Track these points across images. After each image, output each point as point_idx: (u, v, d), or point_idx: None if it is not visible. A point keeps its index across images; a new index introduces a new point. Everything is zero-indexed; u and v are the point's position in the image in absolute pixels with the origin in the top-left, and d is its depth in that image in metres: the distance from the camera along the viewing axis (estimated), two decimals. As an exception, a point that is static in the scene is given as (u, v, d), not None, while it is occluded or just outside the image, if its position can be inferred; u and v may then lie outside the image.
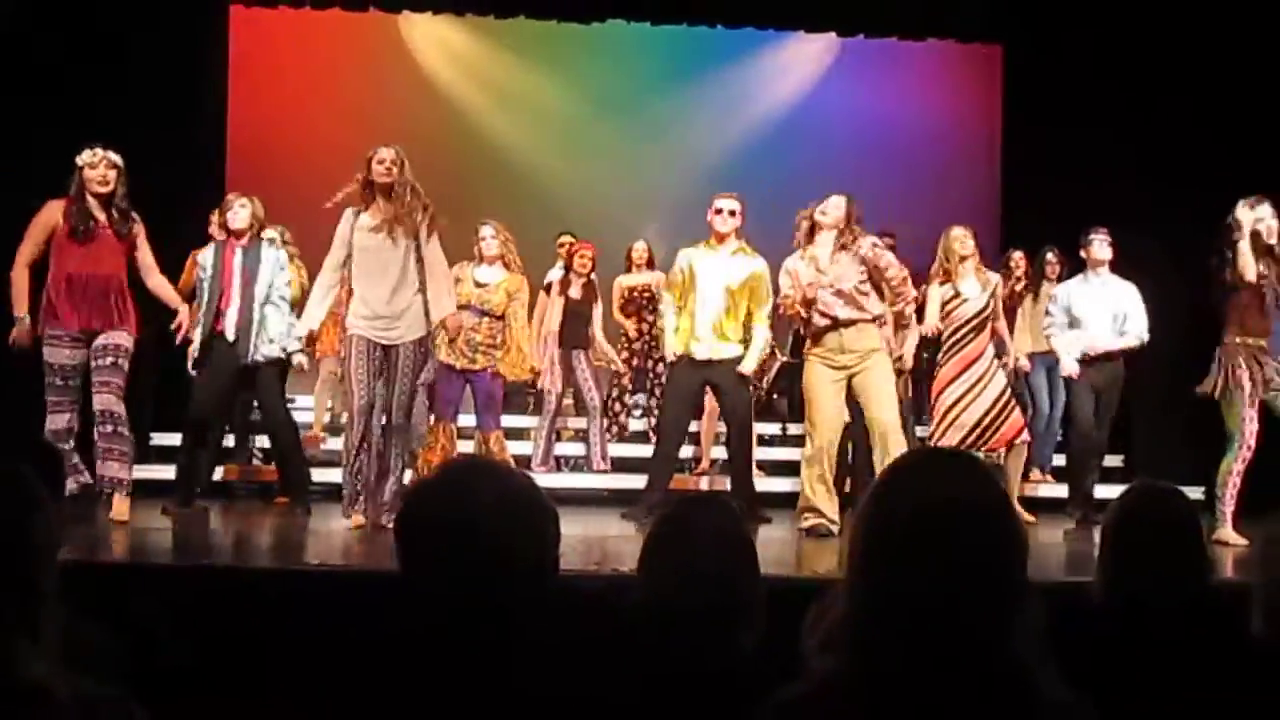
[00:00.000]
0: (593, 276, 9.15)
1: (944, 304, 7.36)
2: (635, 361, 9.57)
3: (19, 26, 8.02)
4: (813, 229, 6.88)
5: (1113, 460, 8.71)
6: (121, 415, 6.23)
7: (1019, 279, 8.88)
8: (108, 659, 2.15)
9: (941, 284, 7.42)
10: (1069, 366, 7.52)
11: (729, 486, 7.45)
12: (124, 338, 6.25)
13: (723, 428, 8.98)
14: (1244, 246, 6.42)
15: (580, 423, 9.47)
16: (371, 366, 6.29)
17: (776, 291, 7.14)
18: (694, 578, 2.32)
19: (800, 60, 12.33)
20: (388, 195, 6.26)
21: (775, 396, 10.06)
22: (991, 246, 9.17)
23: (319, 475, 7.84)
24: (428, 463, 7.49)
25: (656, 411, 9.57)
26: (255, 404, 7.86)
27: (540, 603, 1.89)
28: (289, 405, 8.15)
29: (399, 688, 1.83)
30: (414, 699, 1.82)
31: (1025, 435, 7.37)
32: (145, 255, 6.43)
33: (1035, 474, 8.66)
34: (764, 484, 8.11)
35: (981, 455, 6.99)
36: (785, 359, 7.74)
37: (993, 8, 10.15)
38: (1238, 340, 6.50)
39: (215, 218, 7.26)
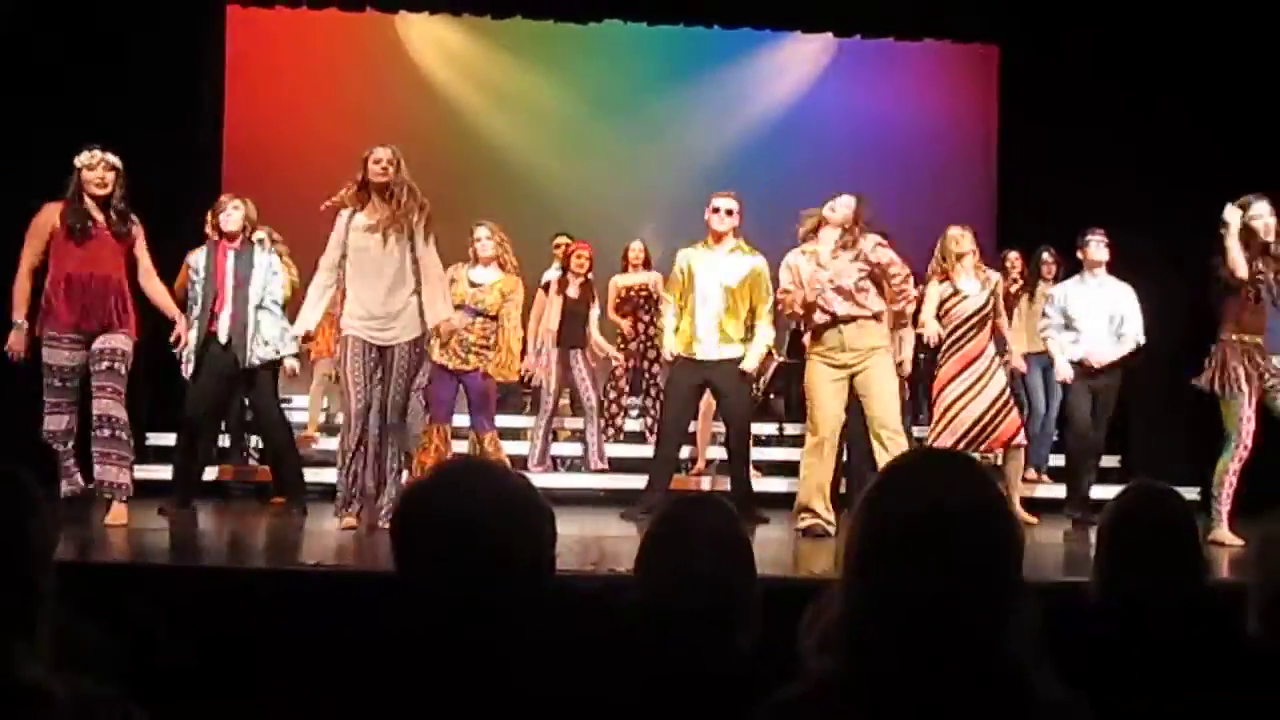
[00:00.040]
0: (590, 276, 9.14)
1: (943, 302, 7.36)
2: (631, 362, 9.57)
3: (16, 27, 8.01)
4: (818, 225, 6.87)
5: (1109, 461, 8.72)
6: (120, 420, 6.19)
7: (1015, 279, 8.90)
8: (105, 659, 2.15)
9: (940, 282, 7.41)
10: (1064, 371, 7.53)
11: (729, 487, 7.44)
12: (123, 341, 6.23)
13: (719, 428, 9.00)
14: (1232, 244, 6.43)
15: (577, 423, 9.47)
16: (367, 368, 6.25)
17: (776, 286, 7.14)
18: (691, 578, 2.33)
19: (797, 60, 12.34)
20: (384, 195, 6.23)
21: (772, 396, 10.09)
22: (988, 247, 9.17)
23: (315, 475, 7.83)
24: (422, 464, 7.49)
25: (653, 411, 9.60)
26: (248, 405, 7.85)
27: (537, 603, 1.89)
28: (285, 405, 8.16)
29: (396, 688, 1.83)
30: (411, 699, 1.82)
31: (1021, 437, 7.35)
32: (143, 258, 6.41)
33: (1032, 474, 8.66)
34: (761, 484, 8.11)
35: (978, 456, 6.99)
36: (782, 359, 7.74)
37: (989, 8, 10.16)
38: (1234, 338, 6.50)
39: (209, 218, 7.24)
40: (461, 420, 8.08)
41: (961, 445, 7.05)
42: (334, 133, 10.19)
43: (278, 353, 7.17)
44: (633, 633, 2.33)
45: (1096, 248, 7.57)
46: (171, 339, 6.65)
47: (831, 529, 6.63)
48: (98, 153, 6.18)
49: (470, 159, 11.73)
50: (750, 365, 7.25)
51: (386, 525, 5.61)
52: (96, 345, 6.18)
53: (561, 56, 11.92)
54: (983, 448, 7.15)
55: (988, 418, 7.19)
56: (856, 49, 11.50)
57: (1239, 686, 2.33)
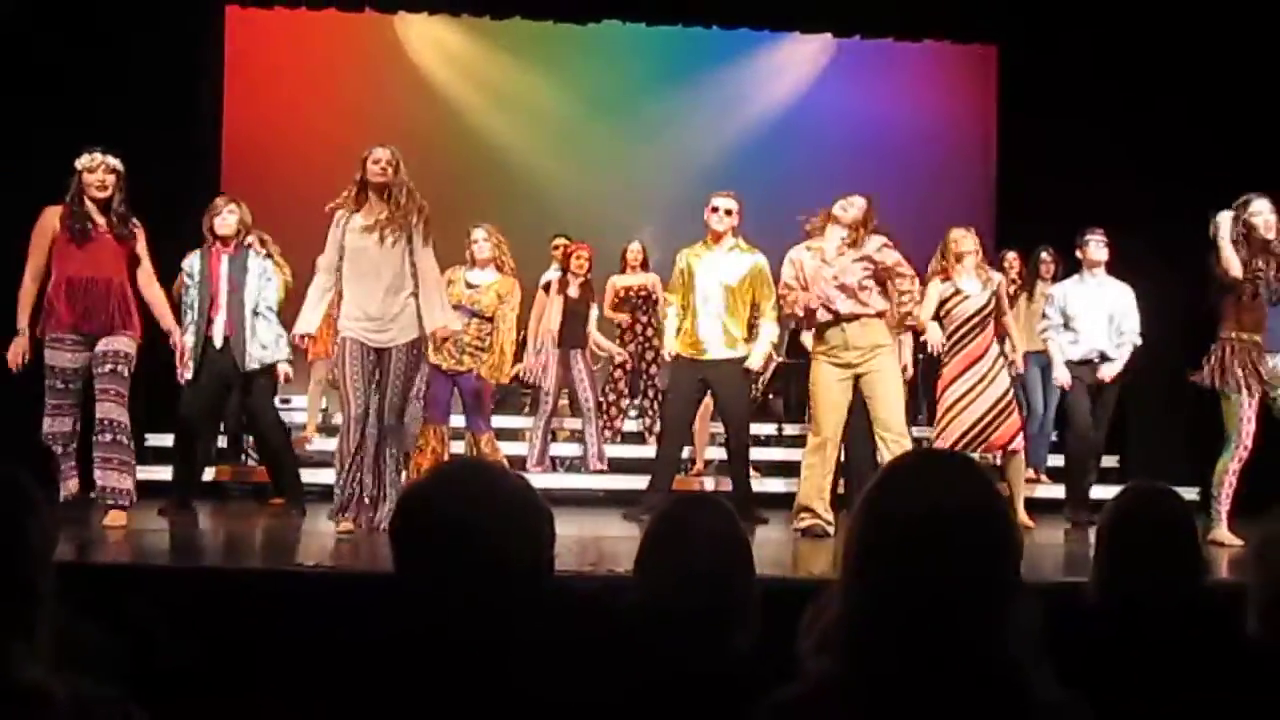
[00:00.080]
0: (589, 277, 9.15)
1: (944, 301, 7.34)
2: (629, 363, 9.58)
3: (15, 27, 8.01)
4: (826, 222, 6.85)
5: (1108, 461, 8.73)
6: (122, 424, 6.16)
7: (1013, 279, 8.90)
8: (105, 660, 2.15)
9: (942, 281, 7.40)
10: (1062, 377, 7.54)
11: (730, 487, 7.44)
12: (125, 343, 6.20)
13: (716, 428, 9.01)
14: (1224, 244, 6.44)
15: (576, 423, 9.47)
16: (365, 372, 6.19)
17: (778, 283, 7.13)
18: (690, 578, 2.33)
19: (796, 61, 12.34)
20: (382, 195, 6.17)
21: (771, 397, 10.09)
22: (987, 247, 9.17)
23: (314, 476, 7.84)
24: (419, 466, 7.48)
25: (651, 412, 9.61)
26: (244, 408, 7.83)
27: (535, 603, 1.89)
28: (284, 407, 8.17)
29: (394, 689, 1.83)
30: (409, 700, 1.82)
31: (1019, 442, 7.31)
32: (144, 262, 6.36)
33: (1030, 474, 8.66)
34: (759, 484, 8.11)
35: (976, 457, 6.98)
36: (781, 359, 7.74)
37: (988, 9, 10.16)
38: (1233, 336, 6.50)
39: (205, 219, 7.22)
40: (458, 421, 8.08)
41: (960, 445, 7.05)
42: (333, 133, 10.19)
43: (273, 358, 7.20)
44: (631, 633, 2.33)
45: (1096, 248, 7.57)
46: (171, 344, 6.64)
47: (830, 529, 6.63)
48: (98, 155, 6.16)
49: (469, 159, 11.73)
50: (756, 362, 7.25)
51: (386, 527, 5.61)
52: (100, 347, 6.15)
53: (560, 57, 11.92)
54: (980, 449, 7.13)
55: (988, 419, 7.18)
56: (855, 49, 11.50)
57: (1238, 687, 2.33)
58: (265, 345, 7.14)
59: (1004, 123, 11.28)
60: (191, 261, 7.16)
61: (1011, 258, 9.04)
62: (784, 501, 7.67)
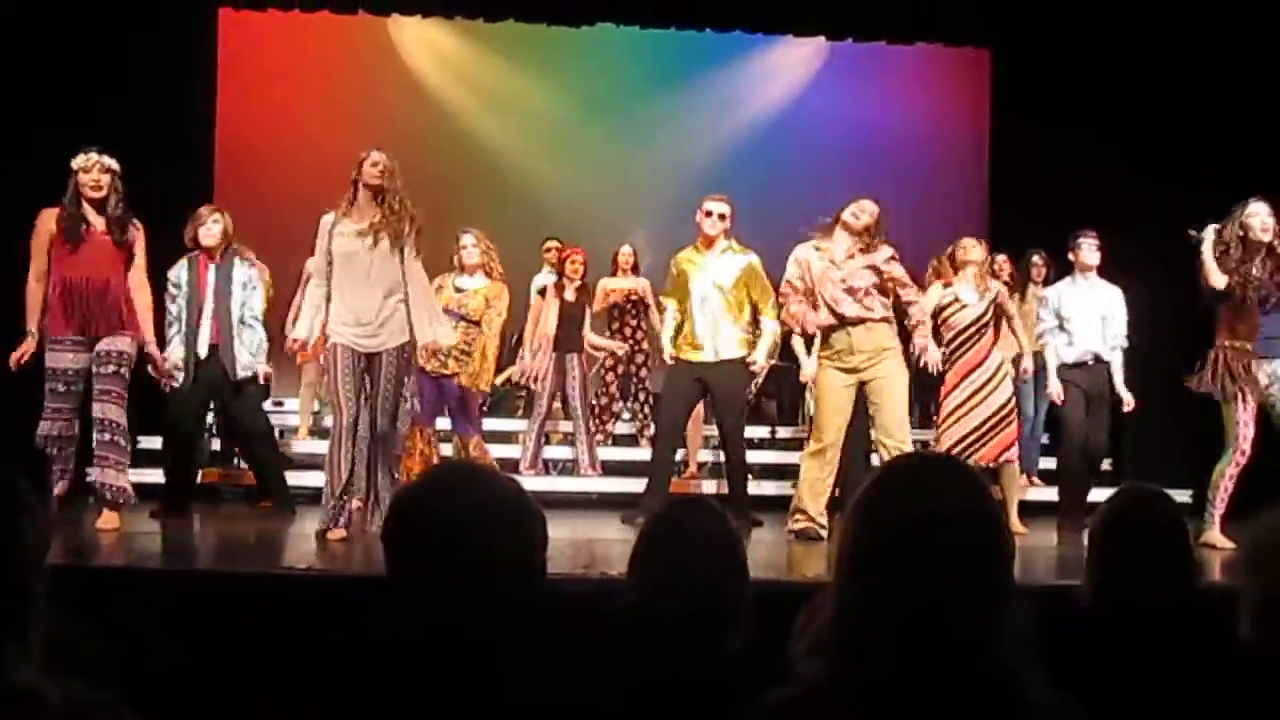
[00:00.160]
0: (584, 280, 9.14)
1: (942, 309, 7.31)
2: (620, 367, 9.58)
3: (9, 29, 8.00)
4: (834, 226, 6.83)
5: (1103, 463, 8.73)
6: (120, 425, 6.16)
7: (1005, 282, 8.89)
8: (98, 662, 2.15)
9: (944, 286, 7.38)
10: (1055, 391, 7.53)
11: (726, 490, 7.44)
12: (126, 344, 6.19)
13: (709, 431, 9.02)
14: (1207, 256, 6.47)
15: (569, 426, 9.47)
16: (356, 379, 6.12)
17: (776, 284, 7.11)
18: (684, 580, 2.33)
19: (789, 64, 12.35)
20: (375, 198, 6.14)
21: (764, 399, 10.09)
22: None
23: (306, 479, 7.84)
24: (408, 470, 7.45)
25: (642, 415, 9.61)
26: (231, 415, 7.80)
27: (528, 606, 1.89)
28: (276, 409, 8.17)
29: (387, 692, 1.83)
30: (402, 703, 1.82)
31: (1012, 453, 7.29)
32: (138, 265, 6.33)
33: (1022, 479, 8.65)
34: (752, 487, 8.07)
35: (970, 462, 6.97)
36: (774, 362, 7.72)
37: (980, 12, 10.18)
38: (1227, 344, 6.52)
39: (188, 229, 7.20)
40: (446, 424, 8.07)
41: (954, 452, 7.01)
42: (326, 135, 10.19)
43: (261, 365, 7.27)
44: (625, 636, 2.33)
45: (1089, 252, 7.57)
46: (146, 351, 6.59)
47: (824, 533, 6.62)
48: (93, 155, 6.14)
49: (462, 162, 11.73)
50: (760, 360, 7.24)
51: (378, 529, 5.59)
52: (100, 348, 6.14)
53: (554, 60, 11.93)
54: (975, 459, 7.06)
55: (983, 430, 7.14)
56: (848, 53, 11.51)
57: (1230, 690, 2.33)
58: (253, 353, 7.17)
59: (996, 126, 11.29)
60: (178, 272, 7.16)
61: (1002, 260, 9.04)
62: (777, 504, 7.68)
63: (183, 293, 7.10)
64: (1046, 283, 8.53)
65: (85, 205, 6.14)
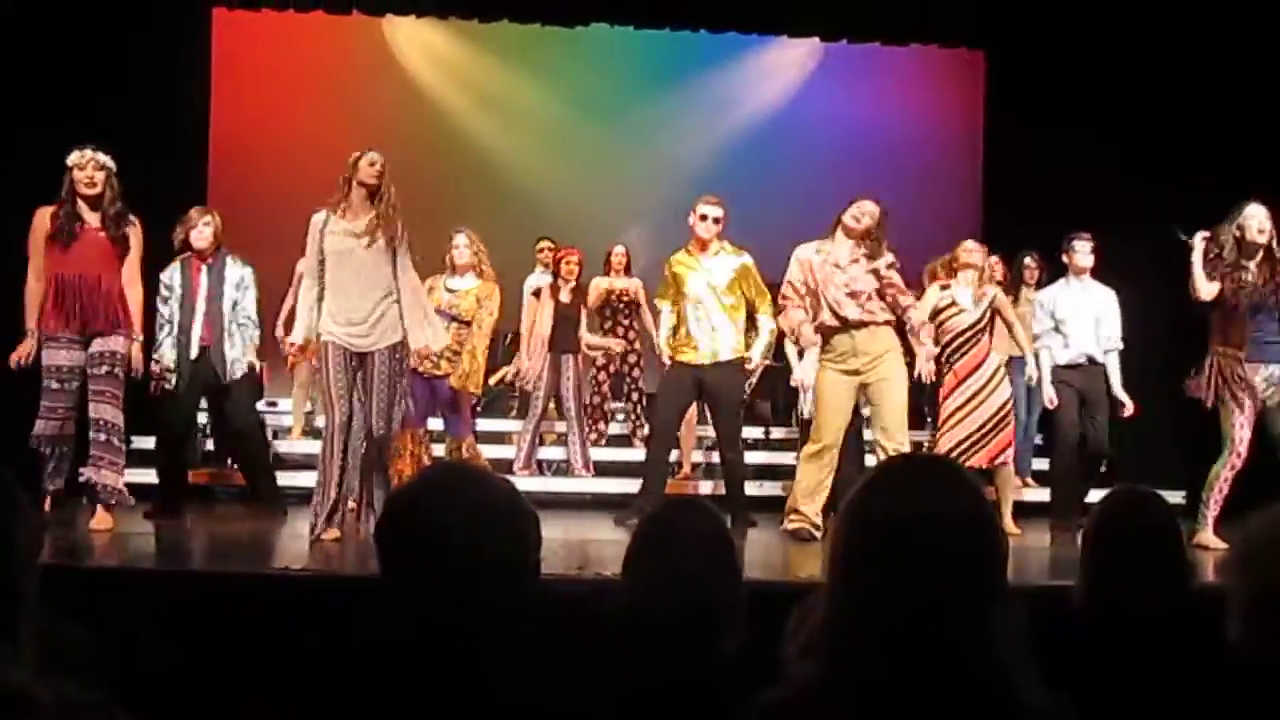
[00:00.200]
0: (580, 281, 9.14)
1: (939, 311, 7.31)
2: (611, 367, 9.58)
3: (4, 28, 8.00)
4: (835, 228, 6.80)
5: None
6: (115, 425, 6.16)
7: (997, 282, 8.89)
8: (90, 663, 2.14)
9: (942, 288, 7.38)
10: (1049, 396, 7.54)
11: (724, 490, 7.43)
12: (121, 344, 6.18)
13: (702, 432, 9.02)
14: (1195, 267, 6.49)
15: (564, 427, 9.46)
16: (348, 378, 6.08)
17: (773, 288, 7.10)
18: (677, 581, 2.33)
19: (783, 65, 12.36)
20: (370, 198, 6.12)
21: (758, 400, 10.09)
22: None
23: (295, 479, 7.84)
24: (399, 471, 7.42)
25: (635, 415, 9.61)
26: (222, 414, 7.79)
27: (521, 607, 1.89)
28: (270, 409, 8.16)
29: (380, 693, 1.83)
30: (395, 704, 1.82)
31: (1007, 455, 7.28)
32: (132, 264, 6.32)
33: (1016, 481, 8.65)
34: (747, 488, 8.08)
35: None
36: (767, 362, 7.73)
37: (974, 14, 10.19)
38: (1220, 349, 6.54)
39: (177, 231, 7.19)
40: (437, 425, 8.06)
41: (953, 455, 6.98)
42: (320, 135, 10.18)
43: (250, 366, 7.24)
44: (618, 636, 2.33)
45: (1083, 255, 7.57)
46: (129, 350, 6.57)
47: (818, 534, 6.62)
48: (88, 152, 6.14)
49: (456, 162, 11.73)
50: (755, 358, 7.23)
51: (371, 530, 5.59)
52: (94, 348, 6.14)
53: (548, 60, 11.92)
54: (970, 462, 7.04)
55: (980, 433, 7.13)
56: (843, 54, 11.52)
57: (1223, 690, 2.33)
58: (244, 352, 7.16)
59: (990, 127, 11.30)
60: (171, 274, 7.15)
61: (994, 262, 9.04)
62: (771, 504, 7.69)
63: (175, 294, 7.09)
64: (1038, 285, 8.54)
65: (80, 202, 6.14)
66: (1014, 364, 8.49)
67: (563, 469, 9.41)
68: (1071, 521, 7.22)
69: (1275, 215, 6.49)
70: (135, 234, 6.29)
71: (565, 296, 8.99)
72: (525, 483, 7.95)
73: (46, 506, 6.25)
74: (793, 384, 8.18)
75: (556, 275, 9.06)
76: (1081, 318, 7.56)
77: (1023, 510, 7.78)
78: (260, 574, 5.04)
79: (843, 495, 1.89)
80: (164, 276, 7.15)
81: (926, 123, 12.00)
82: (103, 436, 6.14)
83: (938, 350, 7.21)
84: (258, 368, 7.38)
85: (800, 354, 7.87)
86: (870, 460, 7.41)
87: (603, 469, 9.12)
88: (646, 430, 8.96)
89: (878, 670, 1.61)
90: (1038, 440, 9.08)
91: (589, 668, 2.11)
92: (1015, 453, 7.68)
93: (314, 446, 7.19)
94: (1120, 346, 7.58)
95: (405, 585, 1.88)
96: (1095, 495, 6.32)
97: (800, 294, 6.82)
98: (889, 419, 6.62)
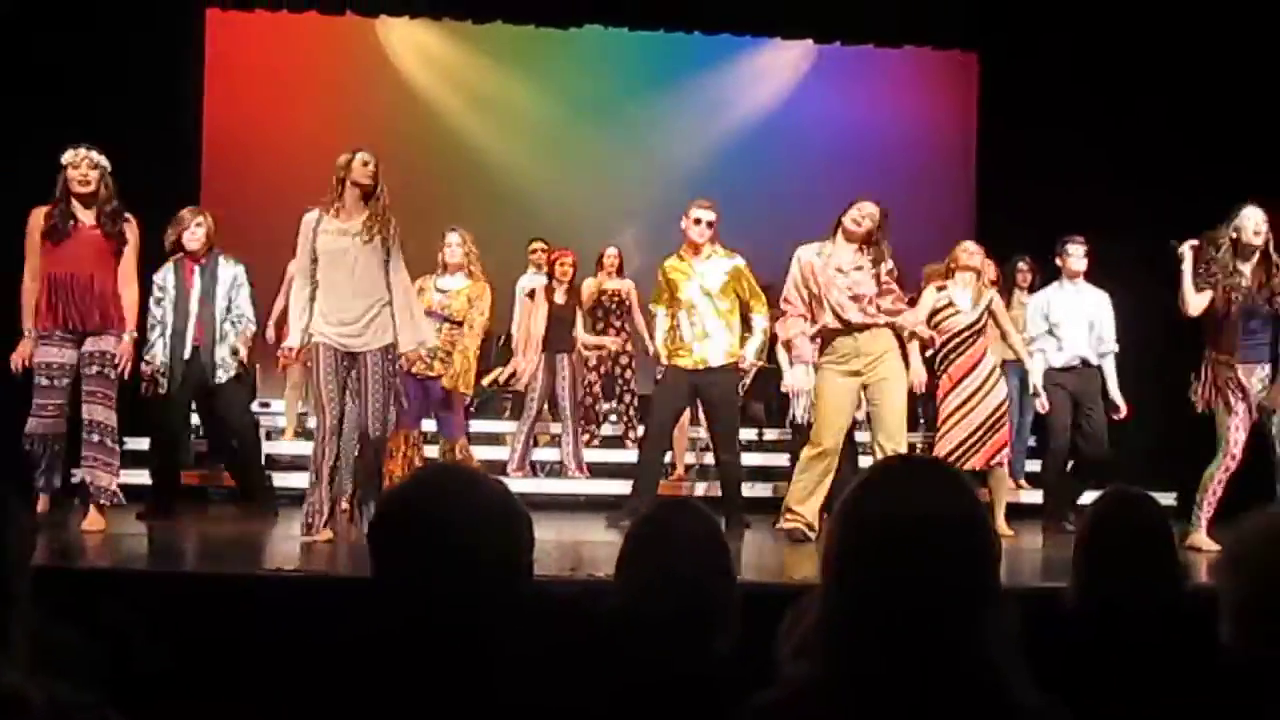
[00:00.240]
0: (574, 282, 9.13)
1: (936, 312, 7.31)
2: (603, 368, 9.58)
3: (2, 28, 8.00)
4: (835, 231, 6.77)
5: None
6: (108, 425, 6.15)
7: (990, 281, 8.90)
8: (83, 665, 2.14)
9: (939, 289, 7.38)
10: (1043, 399, 7.55)
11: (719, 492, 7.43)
12: (112, 344, 6.16)
13: (695, 434, 9.02)
14: (1184, 277, 6.51)
15: (558, 428, 9.45)
16: (339, 379, 6.06)
17: (779, 285, 7.08)
18: (671, 582, 2.33)
19: (777, 67, 12.36)
20: (364, 197, 6.11)
21: (751, 401, 10.09)
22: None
23: (292, 480, 7.83)
24: (390, 473, 7.41)
25: (627, 416, 9.61)
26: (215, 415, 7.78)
27: (514, 608, 1.89)
28: (263, 410, 8.15)
29: (372, 693, 1.83)
30: (387, 704, 1.82)
31: (1002, 456, 7.28)
32: (127, 263, 6.29)
33: (1010, 483, 8.65)
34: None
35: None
36: (760, 363, 7.72)
37: (968, 15, 10.19)
38: (1213, 356, 6.56)
39: (169, 232, 7.18)
40: (430, 426, 8.05)
41: (951, 458, 6.96)
42: (313, 136, 10.15)
43: (240, 363, 7.25)
44: (611, 637, 2.33)
45: (1076, 259, 7.58)
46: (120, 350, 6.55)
47: (812, 535, 6.61)
48: (82, 150, 6.13)
49: (450, 163, 11.73)
50: (749, 358, 7.22)
51: (364, 531, 5.58)
52: (86, 348, 6.13)
53: (542, 61, 11.91)
54: (967, 465, 7.04)
55: (977, 435, 7.12)
56: (836, 55, 11.51)
57: (1216, 691, 2.34)
58: (236, 351, 7.15)
59: (984, 129, 11.30)
60: (164, 275, 7.14)
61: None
62: (764, 506, 7.69)
63: (168, 296, 7.09)
64: (1031, 288, 8.55)
65: (74, 201, 6.13)
66: (1007, 366, 8.50)
67: (556, 470, 9.40)
68: (1064, 524, 7.24)
69: (1272, 218, 6.49)
70: (132, 232, 6.28)
71: (560, 297, 8.99)
72: (518, 484, 7.95)
73: (42, 506, 6.26)
74: (783, 389, 8.17)
75: (551, 276, 9.05)
76: (1075, 321, 7.57)
77: (1015, 512, 7.78)
78: (253, 575, 5.03)
79: (838, 496, 1.89)
80: (157, 277, 7.14)
81: (920, 125, 12.00)
82: (95, 437, 6.13)
83: (933, 350, 7.23)
84: (243, 356, 7.32)
85: (792, 361, 7.87)
86: (865, 461, 7.41)
87: (597, 470, 9.12)
88: (638, 431, 8.96)
89: (871, 671, 1.62)
90: (1031, 442, 9.09)
91: (582, 669, 2.11)
92: (1010, 454, 7.69)
93: (306, 448, 7.17)
94: (1115, 349, 7.59)
95: (398, 586, 1.88)
96: (1088, 497, 6.33)
97: (803, 299, 6.80)
98: (888, 420, 6.62)
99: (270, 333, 8.35)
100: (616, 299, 9.47)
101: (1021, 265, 8.96)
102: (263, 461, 7.90)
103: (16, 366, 6.10)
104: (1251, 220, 6.47)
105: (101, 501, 6.15)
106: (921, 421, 8.90)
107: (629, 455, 8.70)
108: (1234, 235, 6.49)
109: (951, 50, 11.21)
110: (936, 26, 10.33)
